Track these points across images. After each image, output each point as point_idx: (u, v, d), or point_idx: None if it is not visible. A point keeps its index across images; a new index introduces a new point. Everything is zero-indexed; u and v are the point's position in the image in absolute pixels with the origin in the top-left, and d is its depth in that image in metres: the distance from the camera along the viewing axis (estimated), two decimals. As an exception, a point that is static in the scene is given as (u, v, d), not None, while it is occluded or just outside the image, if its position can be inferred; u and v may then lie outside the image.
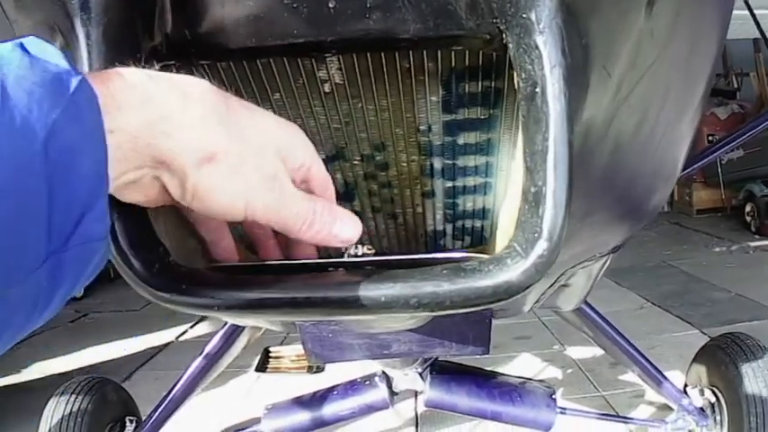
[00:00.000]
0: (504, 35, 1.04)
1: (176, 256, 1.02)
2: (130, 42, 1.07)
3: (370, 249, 1.55)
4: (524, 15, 0.97)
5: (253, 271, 1.00)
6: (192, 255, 1.08)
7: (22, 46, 0.63)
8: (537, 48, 0.96)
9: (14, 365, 4.98)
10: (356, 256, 1.41)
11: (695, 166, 3.77)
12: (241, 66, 1.25)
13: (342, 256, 1.12)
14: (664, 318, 5.65)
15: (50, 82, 0.61)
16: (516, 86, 1.03)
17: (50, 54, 0.64)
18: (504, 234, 1.34)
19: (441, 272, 0.96)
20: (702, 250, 7.99)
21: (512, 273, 0.95)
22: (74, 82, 0.63)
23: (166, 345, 5.66)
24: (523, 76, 0.99)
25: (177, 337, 5.91)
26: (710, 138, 9.36)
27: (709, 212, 9.95)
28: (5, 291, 0.57)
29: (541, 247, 0.95)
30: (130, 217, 0.93)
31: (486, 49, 1.17)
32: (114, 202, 0.83)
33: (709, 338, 3.41)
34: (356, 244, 1.62)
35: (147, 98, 0.71)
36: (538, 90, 0.96)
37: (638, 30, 1.14)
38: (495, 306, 1.01)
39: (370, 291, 0.92)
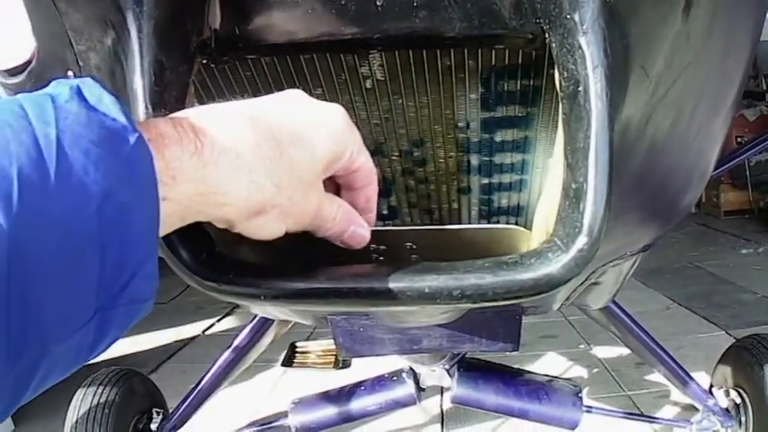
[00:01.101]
0: (546, 35, 1.06)
1: (219, 243, 1.05)
2: (180, 37, 1.10)
3: (412, 246, 1.57)
4: (568, 16, 1.00)
5: (294, 261, 1.02)
6: (234, 247, 1.11)
7: (79, 93, 0.62)
8: (580, 48, 0.99)
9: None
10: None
11: (723, 167, 3.75)
12: (285, 61, 1.28)
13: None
14: (690, 319, 5.62)
15: (108, 141, 0.60)
16: (558, 85, 1.06)
17: (107, 104, 0.64)
18: (538, 230, 1.36)
19: (483, 265, 0.98)
20: (729, 252, 7.94)
21: (553, 266, 0.97)
22: (131, 139, 0.62)
23: (193, 338, 5.68)
24: (566, 75, 1.02)
25: (204, 331, 5.93)
26: (739, 139, 9.28)
27: (736, 214, 9.87)
28: (51, 347, 0.57)
29: (582, 241, 0.97)
30: None
31: (528, 48, 1.19)
32: None
33: (734, 340, 3.40)
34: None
35: (202, 166, 0.70)
36: (580, 89, 0.99)
37: (675, 32, 1.16)
38: (530, 301, 1.03)
39: (415, 282, 0.94)
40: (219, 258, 0.97)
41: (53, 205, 0.54)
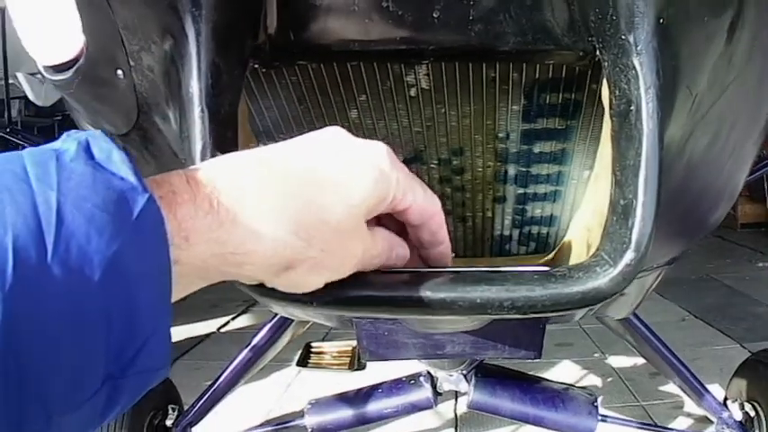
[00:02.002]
0: (599, 53, 1.08)
1: None
2: (237, 41, 1.12)
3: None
4: (623, 37, 1.01)
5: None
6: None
7: (87, 149, 0.58)
8: (634, 68, 1.01)
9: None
10: None
11: (742, 180, 3.75)
12: (331, 67, 1.30)
13: None
14: (705, 331, 5.62)
15: (114, 203, 0.56)
16: (608, 103, 1.07)
17: (116, 162, 0.59)
18: (577, 243, 1.38)
19: (533, 277, 0.99)
20: (745, 265, 7.92)
21: (600, 280, 0.98)
22: (140, 202, 0.57)
23: (208, 335, 5.69)
24: (617, 93, 1.04)
25: (219, 329, 5.94)
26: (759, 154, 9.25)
27: (753, 227, 9.83)
28: (56, 419, 0.54)
29: (629, 256, 0.99)
30: None
31: (578, 65, 1.21)
32: None
33: (749, 353, 3.40)
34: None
35: (218, 225, 0.65)
36: (632, 108, 1.00)
37: (719, 53, 1.18)
38: (575, 313, 1.05)
39: (467, 292, 0.96)
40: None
41: (52, 279, 0.51)
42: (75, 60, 1.27)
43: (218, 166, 0.70)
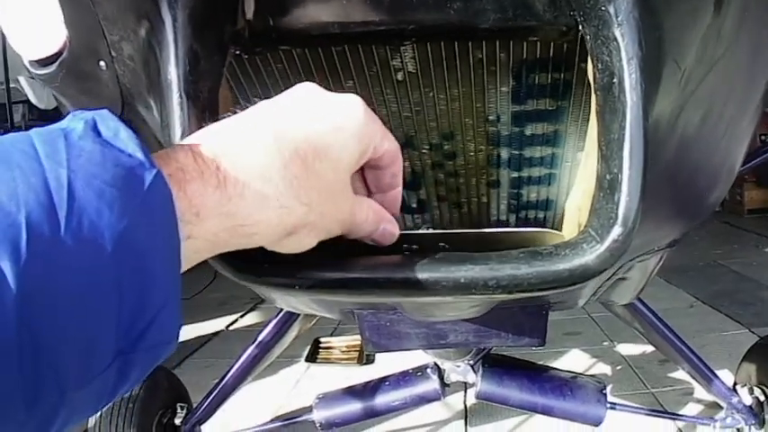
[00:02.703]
0: (581, 27, 1.07)
1: None
2: (214, 27, 1.11)
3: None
4: (603, 8, 1.00)
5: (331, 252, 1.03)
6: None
7: (94, 127, 0.59)
8: (615, 40, 0.99)
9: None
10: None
11: (748, 165, 3.73)
12: (316, 52, 1.29)
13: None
14: (713, 316, 5.61)
15: (123, 179, 0.57)
16: (592, 77, 1.06)
17: (123, 139, 0.61)
18: (570, 221, 1.36)
19: (518, 255, 0.98)
20: (753, 250, 7.91)
21: (588, 257, 0.97)
22: (148, 178, 0.59)
23: (216, 333, 5.69)
24: (600, 66, 1.02)
25: (227, 326, 5.95)
26: (763, 137, 9.23)
27: (760, 212, 9.81)
28: (70, 394, 0.54)
29: (616, 232, 0.97)
30: None
31: (561, 41, 1.20)
32: None
33: (758, 338, 3.39)
34: (423, 226, 1.66)
35: (227, 200, 0.67)
36: (615, 81, 0.99)
37: (707, 26, 1.16)
38: (563, 292, 1.04)
39: (451, 272, 0.95)
40: (254, 249, 0.98)
41: (64, 253, 0.52)
42: (59, 54, 1.27)
43: (224, 138, 0.72)
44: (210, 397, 3.05)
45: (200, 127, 0.89)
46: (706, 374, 3.12)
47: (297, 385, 4.60)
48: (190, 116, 1.01)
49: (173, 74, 1.03)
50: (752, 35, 1.34)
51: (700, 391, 3.85)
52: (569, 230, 1.34)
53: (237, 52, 1.22)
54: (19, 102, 7.43)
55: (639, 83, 0.97)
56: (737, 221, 9.49)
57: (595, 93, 1.04)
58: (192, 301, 6.35)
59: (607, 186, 0.99)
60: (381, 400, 2.92)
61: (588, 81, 1.21)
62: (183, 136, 1.00)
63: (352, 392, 2.98)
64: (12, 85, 6.05)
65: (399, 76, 1.32)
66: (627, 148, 0.97)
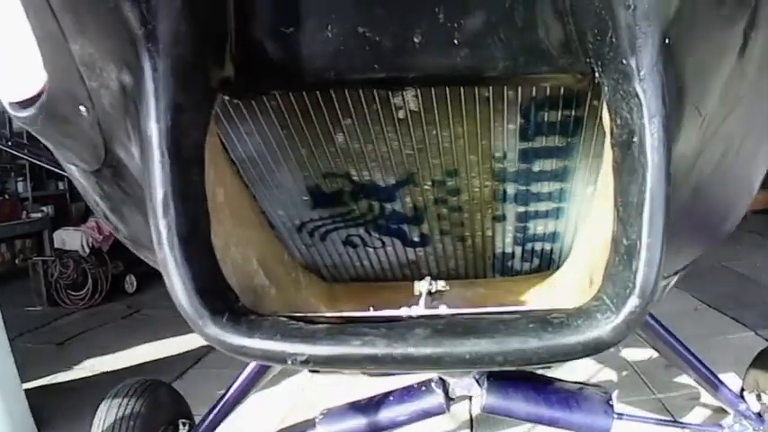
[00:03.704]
0: (598, 77, 1.00)
1: (242, 295, 0.99)
2: (200, 75, 1.03)
3: (444, 287, 1.52)
4: (624, 61, 0.92)
5: (326, 321, 0.97)
6: (259, 294, 1.05)
7: None
8: (636, 96, 0.92)
9: (67, 362, 4.98)
10: (432, 293, 1.38)
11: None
12: (312, 92, 1.22)
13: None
14: (718, 319, 5.56)
15: None
16: (609, 131, 0.99)
17: None
18: (580, 274, 1.31)
19: (527, 326, 0.92)
20: (756, 251, 7.86)
21: (602, 329, 0.91)
22: None
23: (218, 342, 5.64)
24: (618, 122, 0.95)
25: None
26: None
27: (764, 213, 9.76)
28: None
29: (633, 303, 0.91)
30: (198, 262, 0.91)
31: (576, 87, 1.13)
32: (183, 245, 0.80)
33: (763, 340, 3.34)
34: (431, 279, 1.60)
35: None
36: (635, 139, 0.92)
37: (731, 68, 1.09)
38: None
39: (455, 347, 0.89)
40: (242, 317, 0.92)
41: None
42: (38, 96, 1.20)
43: None
44: (213, 412, 2.99)
45: (184, 186, 0.83)
46: (713, 381, 3.07)
47: (302, 395, 4.55)
48: (173, 175, 0.94)
49: (153, 129, 0.96)
50: None
51: (706, 396, 3.79)
52: (578, 279, 1.28)
53: (227, 97, 1.15)
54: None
55: (662, 143, 0.90)
56: (741, 223, 9.38)
57: (612, 148, 0.97)
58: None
59: (624, 252, 0.93)
60: (386, 415, 2.86)
61: (600, 117, 1.14)
62: (164, 198, 0.93)
63: (357, 407, 2.92)
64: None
65: (401, 114, 1.26)
66: (647, 214, 0.90)
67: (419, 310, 1.31)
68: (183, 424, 3.00)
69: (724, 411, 3.23)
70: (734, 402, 3.05)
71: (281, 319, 0.97)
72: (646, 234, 0.90)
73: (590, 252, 1.24)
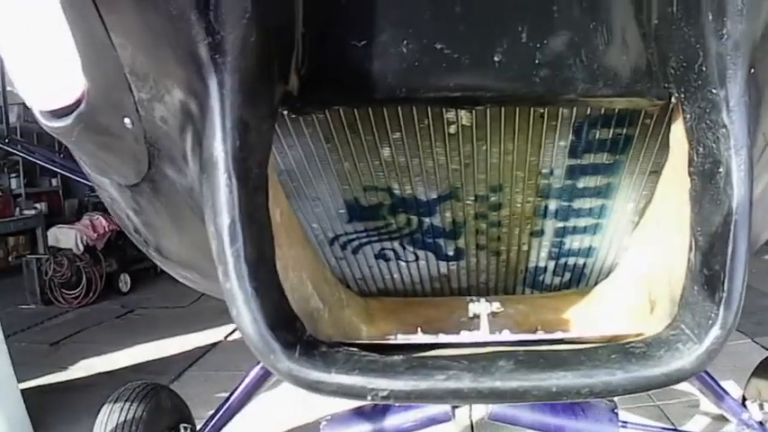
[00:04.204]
0: (680, 105, 0.97)
1: (302, 318, 0.96)
2: (266, 90, 0.98)
3: (499, 308, 1.49)
4: (713, 91, 0.90)
5: (401, 350, 0.95)
6: (315, 318, 1.02)
7: None
8: (724, 126, 0.89)
9: (61, 363, 4.92)
10: (490, 314, 1.35)
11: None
12: (365, 106, 1.19)
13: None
14: (715, 326, 5.57)
15: None
16: (688, 159, 0.97)
17: None
18: (634, 294, 1.29)
19: (609, 357, 0.90)
20: (752, 259, 7.83)
21: (685, 360, 0.89)
22: None
23: (215, 344, 5.56)
24: (701, 151, 0.93)
25: (226, 336, 5.82)
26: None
27: (758, 220, 9.80)
28: None
29: (715, 334, 0.89)
30: (266, 292, 0.88)
31: (650, 110, 1.11)
32: (252, 275, 0.77)
33: (761, 347, 3.35)
34: (485, 300, 1.57)
35: None
36: (721, 170, 0.89)
37: None
38: None
39: (542, 381, 0.87)
40: (315, 350, 0.89)
41: None
42: (76, 105, 1.13)
43: None
44: (215, 417, 2.96)
45: (251, 210, 0.80)
46: (715, 390, 3.06)
47: (305, 400, 4.50)
48: (239, 199, 0.91)
49: (218, 150, 0.91)
50: None
51: (705, 403, 3.79)
52: (633, 301, 1.26)
53: (285, 112, 1.12)
54: (14, 104, 7.35)
55: (748, 175, 0.88)
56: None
57: (691, 177, 0.95)
58: (188, 310, 6.23)
59: (704, 282, 0.91)
60: (391, 422, 2.83)
61: (650, 136, 1.12)
62: (232, 224, 0.89)
63: (361, 414, 2.89)
64: (8, 88, 5.96)
65: (452, 129, 1.23)
66: (731, 245, 0.88)
67: (482, 335, 1.28)
68: (185, 428, 2.97)
69: (723, 419, 3.23)
70: (736, 411, 3.05)
71: (354, 350, 0.93)
72: (730, 267, 0.88)
73: (646, 273, 1.22)
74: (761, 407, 3.00)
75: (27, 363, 4.73)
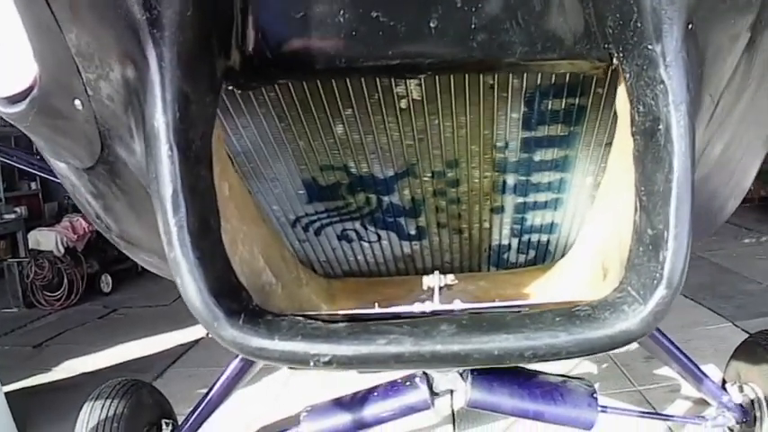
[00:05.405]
0: (619, 64, 0.97)
1: (252, 294, 0.96)
2: (207, 64, 0.99)
3: (453, 281, 1.49)
4: (649, 47, 0.89)
5: (345, 319, 0.94)
6: (267, 292, 1.02)
7: None
8: (662, 82, 0.89)
9: (45, 365, 4.90)
10: (441, 287, 1.35)
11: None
12: (313, 81, 1.19)
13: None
14: (696, 311, 5.57)
15: None
16: (630, 119, 0.97)
17: None
18: (590, 265, 1.29)
19: (554, 320, 0.90)
20: (732, 242, 7.88)
21: (630, 321, 0.89)
22: None
23: (197, 341, 5.55)
24: (641, 109, 0.93)
25: (208, 333, 5.85)
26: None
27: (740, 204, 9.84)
28: None
29: (661, 294, 0.89)
30: (211, 262, 0.88)
31: (585, 75, 1.11)
32: (195, 244, 0.77)
33: (742, 331, 3.34)
34: (440, 274, 1.57)
35: None
36: (661, 127, 0.89)
37: (740, 57, 1.07)
38: None
39: (484, 344, 0.86)
40: (259, 318, 0.88)
41: None
42: (29, 90, 1.14)
43: None
44: (196, 412, 2.96)
45: (193, 181, 0.79)
46: (695, 373, 3.06)
47: (282, 391, 4.51)
48: (181, 170, 0.91)
49: (160, 121, 0.92)
50: None
51: (687, 388, 3.79)
52: (590, 270, 1.26)
53: (230, 88, 1.12)
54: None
55: (688, 130, 0.88)
56: (716, 212, 9.48)
57: (634, 137, 0.94)
58: (171, 308, 6.20)
59: (649, 242, 0.90)
60: (370, 411, 2.82)
61: (604, 106, 1.12)
62: (174, 194, 0.89)
63: (341, 404, 2.88)
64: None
65: (403, 103, 1.23)
66: (674, 203, 0.88)
67: (433, 305, 1.28)
68: (167, 424, 2.96)
69: (704, 403, 3.23)
70: (716, 394, 3.05)
71: (299, 318, 0.93)
72: (674, 224, 0.88)
73: (600, 242, 1.22)
74: (740, 389, 3.00)
75: (10, 366, 4.72)
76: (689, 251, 0.87)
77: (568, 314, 0.89)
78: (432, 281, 1.47)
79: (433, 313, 1.00)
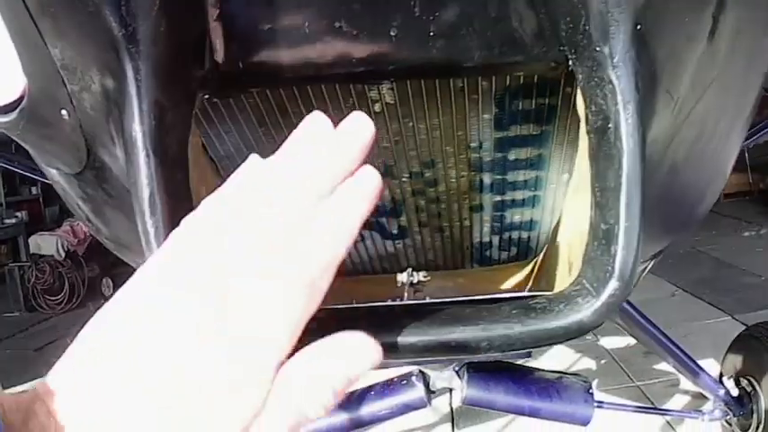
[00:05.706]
0: (572, 64, 1.01)
1: None
2: (181, 75, 1.03)
3: (426, 277, 1.53)
4: (597, 48, 0.94)
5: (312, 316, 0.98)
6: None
7: None
8: (610, 82, 0.93)
9: (46, 368, 4.87)
10: (414, 284, 1.39)
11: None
12: (289, 88, 1.23)
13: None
14: (696, 305, 5.60)
15: None
16: (584, 118, 1.01)
17: None
18: (561, 258, 1.32)
19: (510, 312, 0.93)
20: (731, 235, 7.92)
21: (583, 313, 0.92)
22: None
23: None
24: (593, 109, 0.97)
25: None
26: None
27: (736, 197, 9.82)
28: None
29: (613, 286, 0.92)
30: None
31: (551, 75, 1.15)
32: None
33: (741, 325, 3.37)
34: (413, 271, 1.61)
35: None
36: (610, 125, 0.93)
37: (701, 52, 1.11)
38: None
39: (441, 334, 0.90)
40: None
41: None
42: (19, 101, 1.21)
43: (84, 394, 0.52)
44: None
45: (170, 184, 0.83)
46: (691, 368, 3.09)
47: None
48: (158, 175, 0.95)
49: (137, 130, 0.96)
50: (745, 52, 1.29)
51: (685, 382, 3.82)
52: (558, 266, 1.30)
53: (206, 96, 1.16)
54: None
55: (637, 128, 0.92)
56: (715, 207, 9.41)
57: (588, 135, 0.98)
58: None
59: (602, 236, 0.94)
60: (367, 410, 2.85)
61: (573, 105, 1.16)
62: (151, 197, 0.94)
63: (337, 403, 2.92)
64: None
65: (377, 107, 1.27)
66: (623, 198, 0.92)
67: (403, 301, 1.32)
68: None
69: (703, 397, 3.27)
70: (713, 388, 3.08)
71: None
72: (624, 218, 0.91)
73: (569, 239, 1.26)
74: (737, 382, 3.04)
75: (12, 369, 4.76)
76: (639, 245, 0.90)
77: (525, 306, 0.93)
78: (403, 278, 1.51)
79: (397, 307, 1.04)
